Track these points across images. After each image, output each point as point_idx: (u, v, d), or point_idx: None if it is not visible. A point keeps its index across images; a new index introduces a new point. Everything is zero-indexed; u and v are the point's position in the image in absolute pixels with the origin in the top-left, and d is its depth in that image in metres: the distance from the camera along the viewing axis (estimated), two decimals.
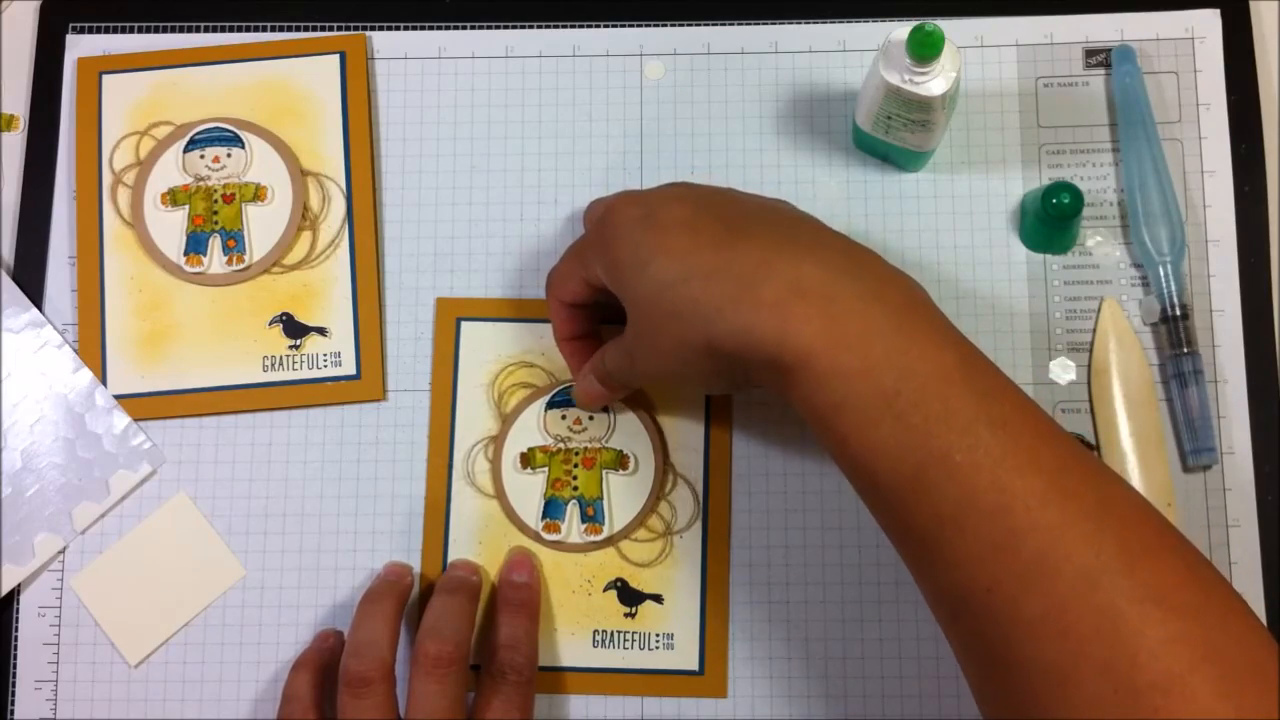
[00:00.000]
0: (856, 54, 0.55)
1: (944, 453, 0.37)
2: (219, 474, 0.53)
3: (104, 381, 0.53)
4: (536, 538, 0.52)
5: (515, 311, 0.54)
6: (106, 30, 0.57)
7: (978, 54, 0.55)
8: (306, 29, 0.57)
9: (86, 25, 0.57)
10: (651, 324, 0.43)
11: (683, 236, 0.42)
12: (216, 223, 0.55)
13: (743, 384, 0.44)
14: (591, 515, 0.51)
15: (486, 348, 0.53)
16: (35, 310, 0.54)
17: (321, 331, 0.54)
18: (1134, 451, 0.51)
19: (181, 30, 0.57)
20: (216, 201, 0.55)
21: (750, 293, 0.40)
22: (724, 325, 0.40)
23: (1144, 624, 0.34)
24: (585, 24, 0.56)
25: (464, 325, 0.54)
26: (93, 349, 0.54)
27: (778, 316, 0.39)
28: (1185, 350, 0.51)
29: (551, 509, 0.52)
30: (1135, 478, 0.50)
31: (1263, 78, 0.54)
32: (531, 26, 0.56)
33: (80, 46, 0.56)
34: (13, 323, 0.54)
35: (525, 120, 0.55)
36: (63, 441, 0.53)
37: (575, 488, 0.52)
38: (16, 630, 0.52)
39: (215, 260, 0.54)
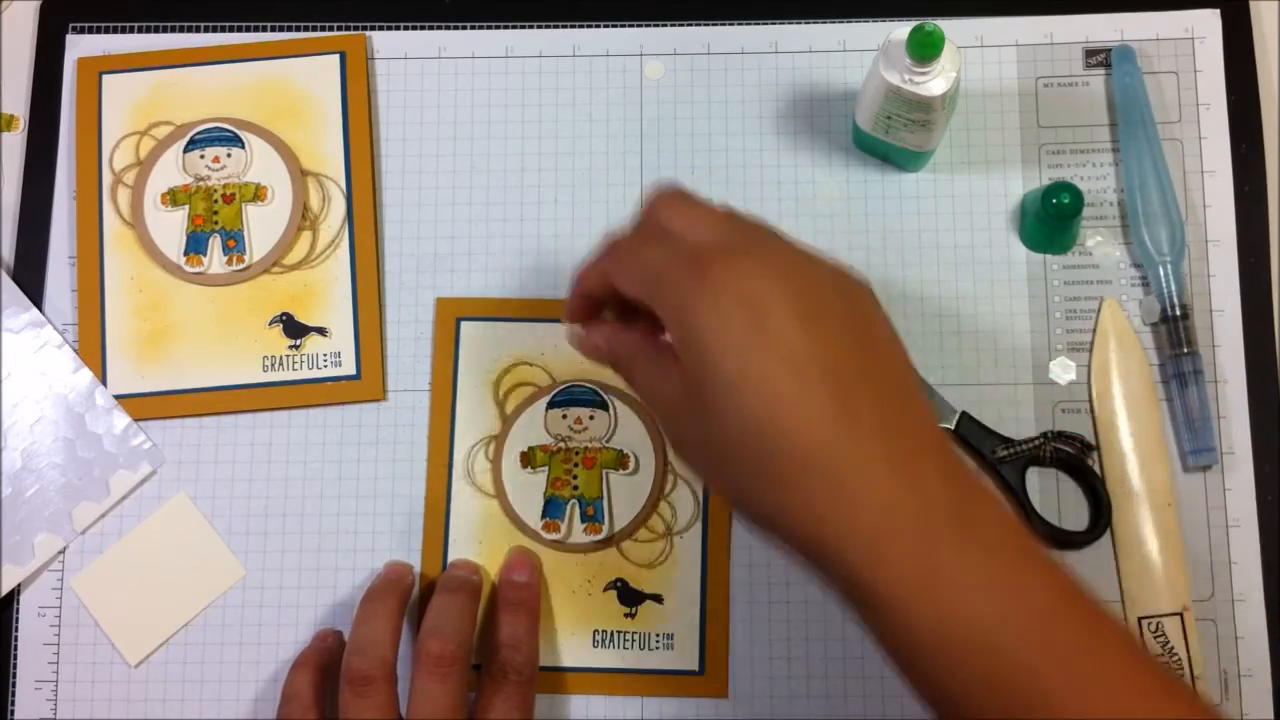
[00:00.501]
0: (856, 54, 0.55)
1: (1043, 693, 0.34)
2: (219, 474, 0.53)
3: (104, 381, 0.53)
4: (536, 537, 0.52)
5: (515, 311, 0.54)
6: (106, 30, 0.57)
7: (978, 54, 0.55)
8: (306, 29, 0.57)
9: (86, 25, 0.57)
10: (720, 456, 0.37)
11: (791, 384, 0.36)
12: (216, 223, 0.55)
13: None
14: (591, 515, 0.51)
15: (486, 348, 0.53)
16: (35, 310, 0.54)
17: (321, 331, 0.54)
18: (1134, 451, 0.51)
19: (181, 30, 0.57)
20: (216, 201, 0.55)
21: (847, 513, 0.35)
22: (806, 530, 0.36)
23: None
24: (585, 24, 0.56)
25: (464, 325, 0.54)
26: (93, 349, 0.54)
27: (870, 551, 0.35)
28: (1185, 350, 0.51)
29: (551, 508, 0.52)
30: (1135, 478, 0.50)
31: (1263, 78, 0.54)
32: (531, 26, 0.56)
33: (80, 46, 0.56)
34: (13, 323, 0.54)
35: (525, 120, 0.55)
36: (63, 441, 0.53)
37: (575, 487, 0.52)
38: (16, 630, 0.52)
39: (215, 260, 0.54)
